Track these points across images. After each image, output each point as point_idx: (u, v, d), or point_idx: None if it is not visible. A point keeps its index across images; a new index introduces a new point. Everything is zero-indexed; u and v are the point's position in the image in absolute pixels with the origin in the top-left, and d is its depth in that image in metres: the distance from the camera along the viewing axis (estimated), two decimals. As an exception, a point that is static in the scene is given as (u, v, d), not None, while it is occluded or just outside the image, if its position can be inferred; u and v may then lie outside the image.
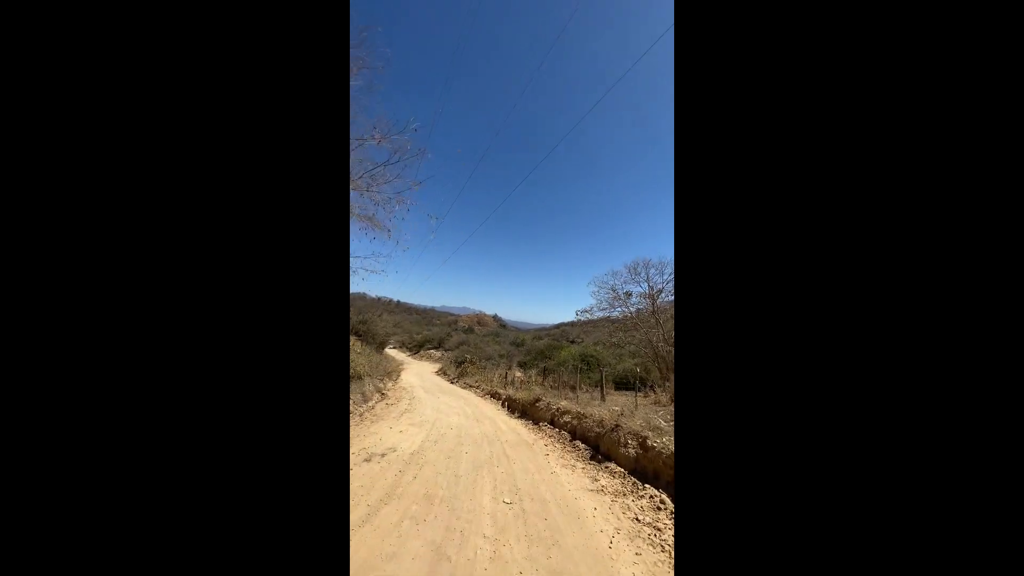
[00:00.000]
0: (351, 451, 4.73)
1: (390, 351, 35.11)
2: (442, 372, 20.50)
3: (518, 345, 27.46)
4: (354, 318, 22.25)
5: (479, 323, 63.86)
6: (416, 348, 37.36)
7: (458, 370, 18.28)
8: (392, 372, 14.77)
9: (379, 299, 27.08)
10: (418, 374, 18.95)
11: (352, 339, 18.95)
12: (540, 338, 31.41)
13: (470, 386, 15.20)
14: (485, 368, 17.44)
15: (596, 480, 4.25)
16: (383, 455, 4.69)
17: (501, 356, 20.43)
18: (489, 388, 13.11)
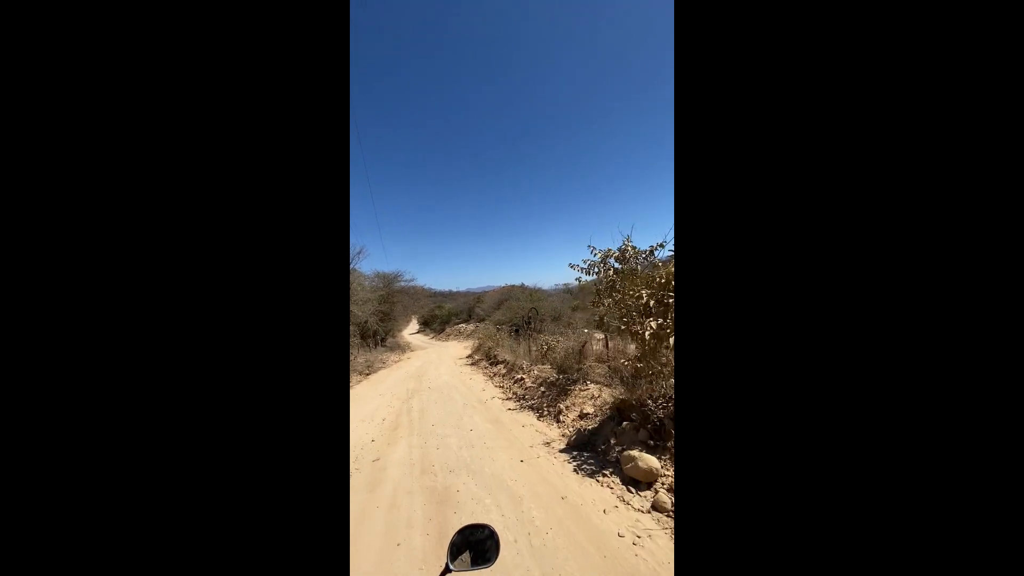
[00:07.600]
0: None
1: (409, 336, 27.86)
2: (480, 353, 12.07)
3: (575, 294, 18.75)
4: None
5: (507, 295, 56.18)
6: (441, 327, 30.22)
7: (528, 343, 9.47)
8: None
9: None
10: (414, 378, 9.33)
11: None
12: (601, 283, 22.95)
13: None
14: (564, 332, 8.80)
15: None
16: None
17: (574, 309, 11.95)
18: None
